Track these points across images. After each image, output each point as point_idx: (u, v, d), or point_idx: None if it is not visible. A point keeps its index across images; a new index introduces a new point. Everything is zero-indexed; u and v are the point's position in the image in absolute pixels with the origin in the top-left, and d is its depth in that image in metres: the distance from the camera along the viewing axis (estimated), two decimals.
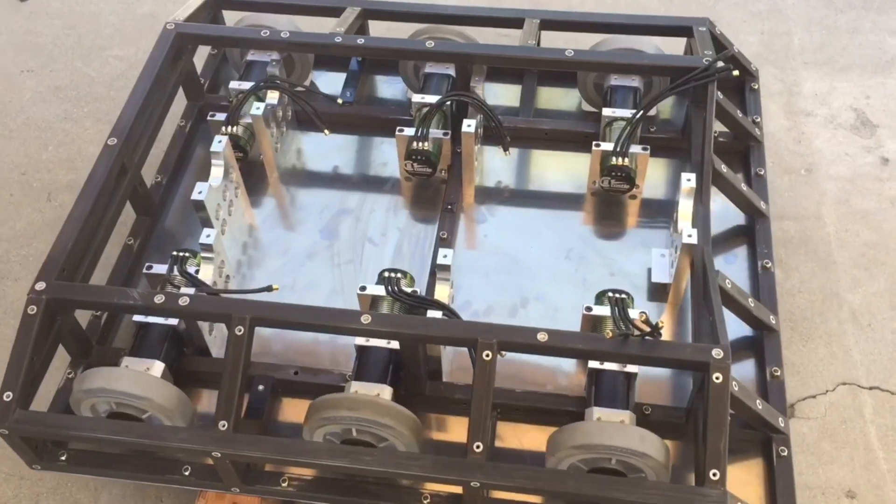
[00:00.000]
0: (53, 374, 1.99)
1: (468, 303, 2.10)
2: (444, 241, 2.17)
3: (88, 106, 2.92)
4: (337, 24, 2.38)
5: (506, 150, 2.24)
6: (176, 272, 1.96)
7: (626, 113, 2.21)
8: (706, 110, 2.11)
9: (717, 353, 1.67)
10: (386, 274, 1.97)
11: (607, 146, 2.16)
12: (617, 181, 2.18)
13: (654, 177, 2.30)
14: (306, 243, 2.24)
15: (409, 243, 2.22)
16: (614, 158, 2.15)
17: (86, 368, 1.99)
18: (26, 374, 1.78)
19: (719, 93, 2.19)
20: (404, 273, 1.98)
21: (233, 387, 1.74)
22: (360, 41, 2.26)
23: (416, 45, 2.25)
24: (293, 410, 1.97)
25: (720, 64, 2.12)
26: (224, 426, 1.71)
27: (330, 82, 2.60)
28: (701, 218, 1.97)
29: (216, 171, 2.12)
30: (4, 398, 1.75)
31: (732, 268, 2.14)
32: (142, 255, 2.21)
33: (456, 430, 1.93)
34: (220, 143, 2.12)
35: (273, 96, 2.28)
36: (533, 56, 2.22)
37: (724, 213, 2.21)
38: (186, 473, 1.82)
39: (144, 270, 2.01)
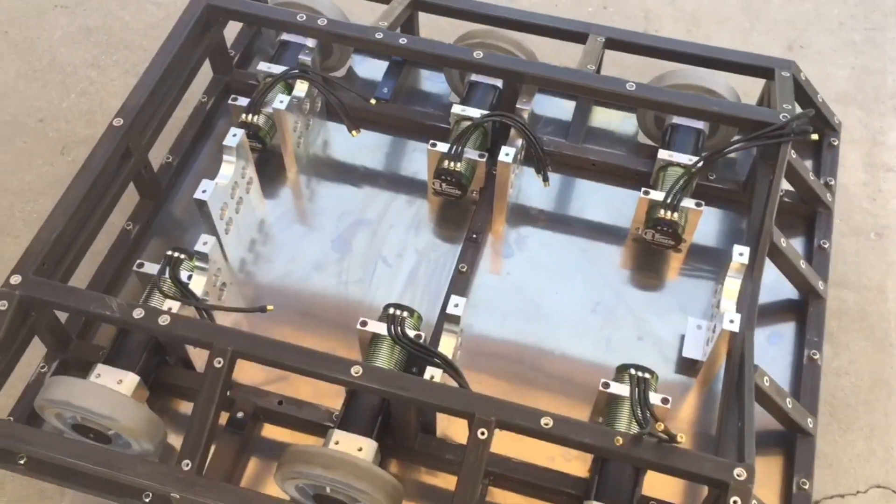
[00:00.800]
0: (31, 360, 1.88)
1: (478, 348, 1.92)
2: (463, 275, 1.98)
3: (118, 54, 2.75)
4: (383, 13, 2.17)
5: (545, 181, 2.04)
6: (167, 276, 1.81)
7: (685, 159, 1.98)
8: (774, 172, 1.88)
9: (739, 473, 1.48)
10: (391, 311, 1.79)
11: (657, 195, 1.94)
12: (662, 235, 1.96)
13: (705, 228, 2.07)
14: (316, 252, 2.06)
15: (426, 269, 2.03)
16: (662, 210, 1.93)
17: (61, 364, 1.86)
18: None
19: (793, 151, 1.95)
20: (411, 311, 1.80)
21: (202, 425, 1.60)
22: (403, 41, 2.04)
23: (461, 53, 2.03)
24: (277, 432, 1.84)
25: (798, 124, 1.88)
26: (187, 466, 1.57)
27: (371, 69, 2.39)
28: (748, 299, 1.76)
29: (226, 168, 1.95)
30: None
31: (775, 350, 1.93)
32: (139, 242, 2.06)
33: (444, 484, 1.78)
34: (234, 138, 1.93)
35: (302, 87, 2.08)
36: (589, 84, 1.98)
37: (777, 282, 1.98)
38: (147, 501, 1.69)
39: (135, 268, 1.86)
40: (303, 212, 2.15)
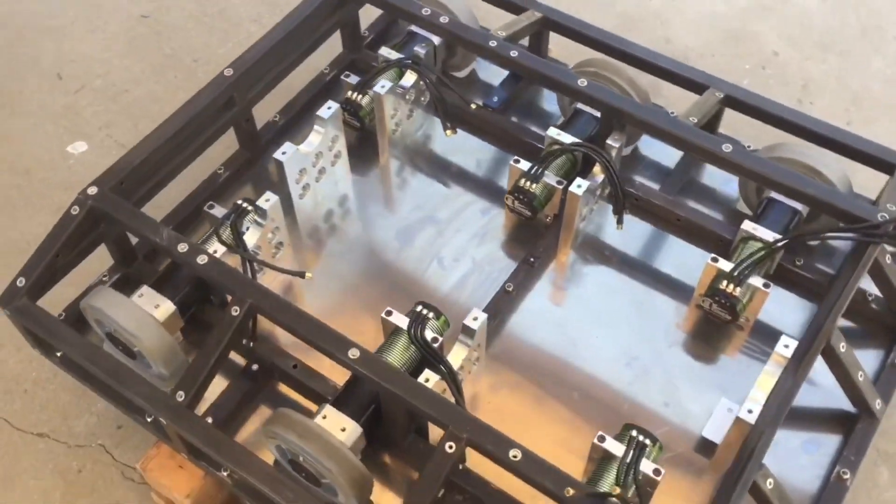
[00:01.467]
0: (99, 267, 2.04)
1: (499, 366, 1.90)
2: (507, 294, 1.96)
3: (280, 16, 2.91)
4: (508, 24, 2.18)
5: (618, 223, 1.99)
6: (228, 222, 1.91)
7: (769, 235, 1.86)
8: (855, 271, 1.73)
9: None
10: (419, 309, 1.80)
11: (725, 265, 1.83)
12: (719, 307, 1.85)
13: (781, 313, 1.94)
14: (380, 237, 2.11)
15: (476, 280, 2.02)
16: (725, 282, 1.82)
17: (122, 278, 2.01)
18: (46, 268, 1.81)
19: (889, 254, 1.79)
20: (438, 314, 1.80)
21: (204, 364, 1.68)
22: (513, 53, 2.04)
23: (565, 76, 2.00)
24: (286, 392, 1.90)
25: (894, 227, 1.72)
26: (181, 397, 1.66)
27: (493, 76, 2.41)
28: (782, 395, 1.63)
29: (313, 137, 2.03)
30: (17, 283, 1.81)
31: (807, 458, 1.77)
32: (226, 188, 2.18)
33: None
34: (328, 110, 2.01)
35: (410, 78, 2.13)
36: (682, 136, 1.90)
37: (839, 389, 1.83)
38: (148, 420, 1.80)
39: (205, 207, 1.97)
40: (382, 196, 2.20)
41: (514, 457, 1.51)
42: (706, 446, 1.79)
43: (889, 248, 1.80)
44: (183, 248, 1.77)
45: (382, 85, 2.08)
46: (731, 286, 1.82)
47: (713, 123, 2.12)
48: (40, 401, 2.20)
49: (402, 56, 2.16)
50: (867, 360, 1.88)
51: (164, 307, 1.84)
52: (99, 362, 1.72)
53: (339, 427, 1.68)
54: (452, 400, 1.67)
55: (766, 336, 1.94)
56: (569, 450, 1.76)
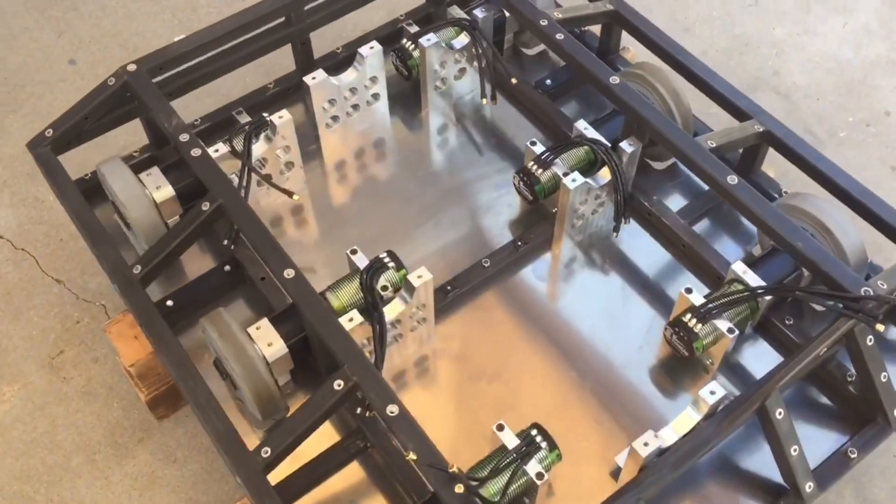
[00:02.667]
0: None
1: (450, 335, 1.91)
2: (482, 269, 1.95)
3: None
4: (576, 7, 2.13)
5: (615, 230, 1.94)
6: (244, 131, 2.00)
7: (755, 282, 1.75)
8: (817, 339, 1.61)
9: None
10: (381, 256, 1.83)
11: (696, 298, 1.75)
12: (678, 340, 1.77)
13: (755, 364, 1.84)
14: (389, 184, 2.16)
15: (463, 247, 2.03)
16: (689, 316, 1.74)
17: (150, 158, 2.16)
18: (73, 126, 1.98)
19: (871, 336, 1.64)
20: (399, 266, 1.82)
21: (163, 247, 1.80)
22: (559, 36, 2.01)
23: (599, 69, 1.95)
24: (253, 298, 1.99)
25: (873, 306, 1.58)
26: (137, 271, 1.79)
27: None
28: (693, 442, 1.55)
29: (349, 73, 2.09)
30: (45, 133, 1.98)
31: None
32: (270, 102, 2.27)
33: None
34: (369, 49, 2.06)
35: (463, 39, 2.14)
36: (690, 155, 1.81)
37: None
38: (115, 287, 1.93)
39: (234, 112, 2.07)
40: (410, 147, 2.23)
41: (391, 412, 1.52)
42: (618, 472, 1.73)
43: (875, 330, 1.66)
44: (184, 138, 1.88)
45: (428, 38, 2.10)
46: (694, 321, 1.74)
47: (751, 160, 2.00)
48: (69, 252, 2.40)
49: (463, 17, 2.17)
50: (823, 441, 1.75)
51: (164, 190, 1.96)
52: (83, 220, 1.87)
53: (267, 341, 1.74)
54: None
55: (733, 385, 1.84)
56: (482, 434, 1.76)
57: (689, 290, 1.77)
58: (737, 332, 1.73)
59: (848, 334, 1.62)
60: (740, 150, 2.03)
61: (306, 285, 1.69)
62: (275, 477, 1.61)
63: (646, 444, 1.54)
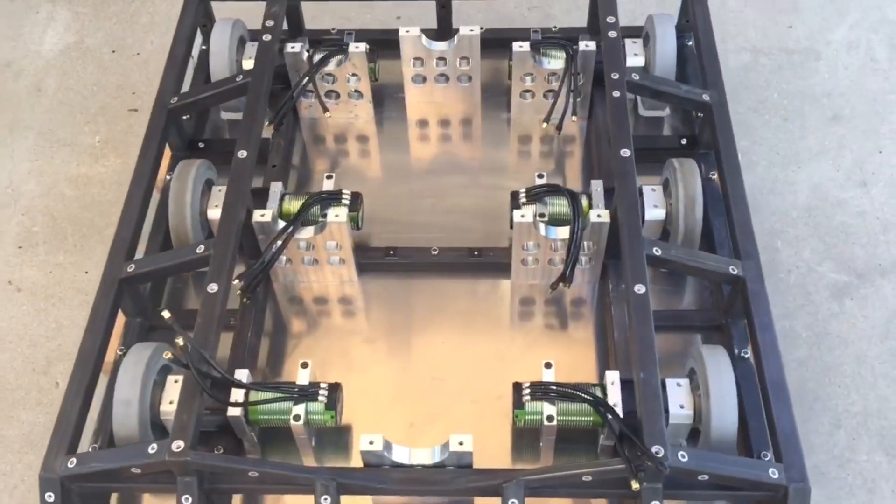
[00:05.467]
0: None
1: (363, 296, 2.05)
2: (428, 255, 2.05)
3: None
4: None
5: (552, 288, 1.93)
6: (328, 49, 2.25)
7: (614, 397, 1.67)
8: (592, 464, 1.52)
9: None
10: (347, 191, 2.00)
11: (547, 374, 1.72)
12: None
13: None
14: (416, 156, 2.31)
15: (435, 233, 2.12)
16: (528, 386, 1.71)
17: None
18: None
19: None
20: (356, 207, 1.98)
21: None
22: (616, 94, 1.99)
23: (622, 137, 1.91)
24: None
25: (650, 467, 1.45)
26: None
27: None
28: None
29: (443, 43, 2.23)
30: None
31: None
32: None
33: None
34: (469, 31, 2.19)
35: (560, 63, 2.19)
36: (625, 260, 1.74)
37: None
38: None
39: (334, 32, 2.34)
40: (487, 139, 2.34)
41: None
42: None
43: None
44: None
45: (521, 45, 2.17)
46: (528, 394, 1.71)
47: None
48: None
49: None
50: None
51: None
52: None
53: None
54: None
55: None
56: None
57: (548, 365, 1.75)
58: (555, 423, 1.68)
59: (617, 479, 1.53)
60: None
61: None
62: None
63: (371, 443, 1.59)
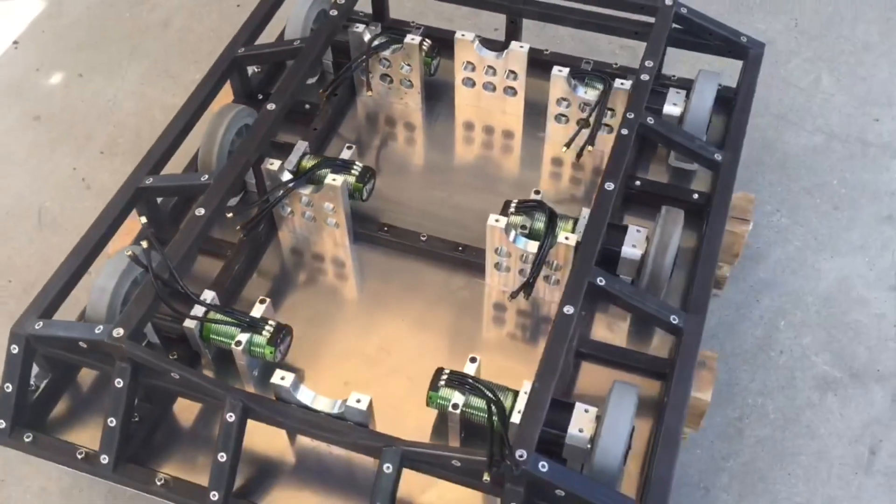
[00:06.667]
0: None
1: (354, 265, 2.21)
2: (418, 241, 2.18)
3: None
4: None
5: (512, 296, 2.01)
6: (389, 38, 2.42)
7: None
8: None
9: None
10: (360, 164, 2.17)
11: (468, 367, 1.81)
12: None
13: None
14: (485, 167, 2.43)
15: (436, 221, 2.25)
16: (446, 374, 1.81)
17: None
18: None
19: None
20: (366, 180, 2.15)
21: None
22: (624, 132, 2.04)
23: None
24: None
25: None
26: None
27: None
28: None
29: (493, 53, 2.35)
30: None
31: None
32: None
33: None
34: (519, 47, 2.31)
35: (594, 92, 2.27)
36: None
37: None
38: None
39: (411, 23, 2.48)
40: (525, 152, 2.45)
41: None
42: None
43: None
44: None
45: (560, 70, 2.26)
46: (444, 379, 1.82)
47: None
48: None
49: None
50: None
51: None
52: None
53: None
54: None
55: None
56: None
57: (472, 359, 1.84)
58: (458, 411, 1.77)
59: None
60: None
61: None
62: None
63: (282, 378, 1.74)
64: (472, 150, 2.46)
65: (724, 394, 2.26)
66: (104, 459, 1.80)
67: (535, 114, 2.47)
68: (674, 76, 2.52)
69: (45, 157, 2.86)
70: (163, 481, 1.80)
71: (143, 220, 1.83)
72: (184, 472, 1.84)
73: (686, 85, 2.39)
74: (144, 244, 1.79)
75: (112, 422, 1.79)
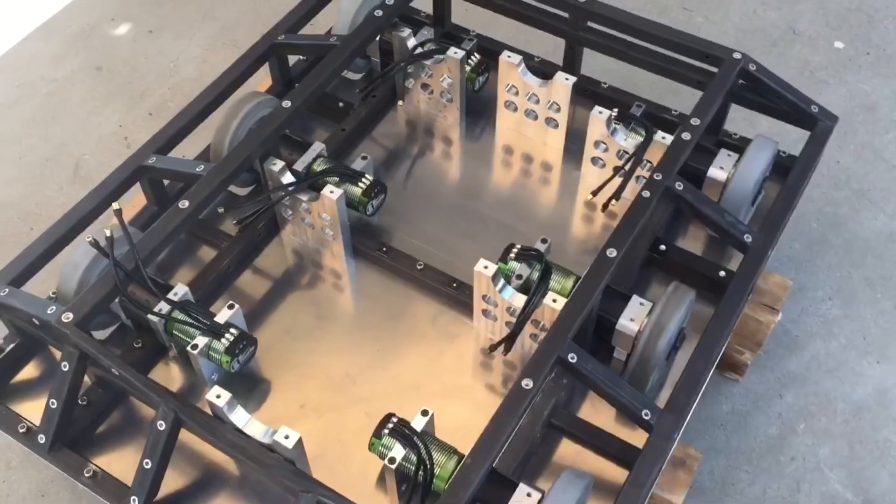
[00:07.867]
0: None
1: (349, 270, 2.11)
2: (412, 265, 2.05)
3: None
4: None
5: (491, 350, 1.86)
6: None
7: None
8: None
9: None
10: (370, 177, 2.06)
11: (418, 422, 1.68)
12: None
13: None
14: (520, 192, 2.30)
15: (448, 243, 2.12)
16: (392, 423, 1.69)
17: None
18: None
19: None
20: (377, 192, 2.05)
21: None
22: (645, 193, 1.85)
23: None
24: None
25: None
26: None
27: None
28: None
29: (538, 81, 2.19)
30: None
31: None
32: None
33: None
34: (565, 80, 2.14)
35: (635, 138, 2.08)
36: None
37: None
38: None
39: (468, 37, 2.34)
40: (562, 188, 2.30)
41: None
42: None
43: None
44: None
45: (600, 111, 2.08)
46: (389, 429, 1.70)
47: None
48: None
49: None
50: None
51: None
52: None
53: None
54: None
55: None
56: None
57: (424, 412, 1.71)
58: (394, 466, 1.65)
59: None
60: None
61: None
62: None
63: (218, 396, 1.66)
64: (503, 178, 2.31)
65: (716, 493, 2.06)
66: (41, 439, 1.79)
67: (579, 150, 2.29)
68: (736, 135, 2.30)
69: (97, 109, 2.86)
70: (91, 473, 1.77)
71: (116, 205, 1.77)
72: (117, 467, 1.80)
73: (745, 146, 2.17)
74: (107, 232, 1.74)
75: (53, 403, 1.76)
